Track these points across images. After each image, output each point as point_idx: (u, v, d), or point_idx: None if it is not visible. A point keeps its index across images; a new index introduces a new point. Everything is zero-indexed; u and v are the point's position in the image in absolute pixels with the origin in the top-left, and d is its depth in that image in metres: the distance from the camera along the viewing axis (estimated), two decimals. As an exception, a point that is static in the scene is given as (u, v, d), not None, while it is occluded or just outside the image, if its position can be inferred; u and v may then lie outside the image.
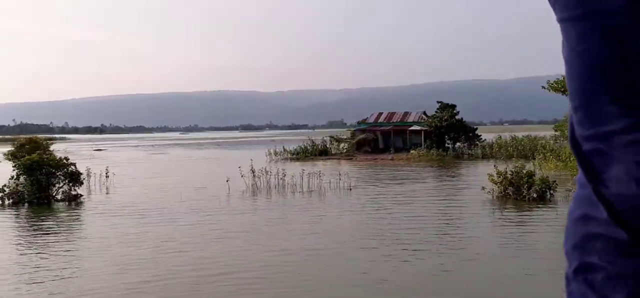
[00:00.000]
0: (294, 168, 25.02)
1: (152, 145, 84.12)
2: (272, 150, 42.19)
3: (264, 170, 22.28)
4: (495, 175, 17.01)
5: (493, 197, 16.81)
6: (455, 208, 15.85)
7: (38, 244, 11.94)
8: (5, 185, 19.03)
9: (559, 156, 26.26)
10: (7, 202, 18.38)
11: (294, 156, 41.50)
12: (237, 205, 17.42)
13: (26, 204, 18.19)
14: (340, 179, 21.57)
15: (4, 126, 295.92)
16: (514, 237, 11.78)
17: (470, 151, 39.01)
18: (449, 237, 11.91)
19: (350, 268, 9.48)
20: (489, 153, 37.66)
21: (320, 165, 30.82)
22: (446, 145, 40.35)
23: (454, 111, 40.85)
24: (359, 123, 47.87)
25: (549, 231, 12.15)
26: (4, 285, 8.72)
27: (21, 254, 10.98)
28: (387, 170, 29.45)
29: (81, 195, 19.38)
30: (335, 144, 44.76)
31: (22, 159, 20.03)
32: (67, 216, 16.11)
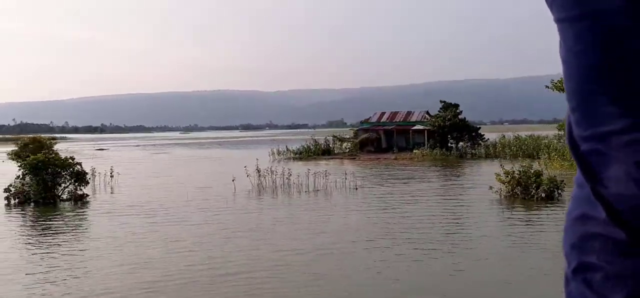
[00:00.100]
0: (298, 168, 24.99)
1: (154, 145, 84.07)
2: (275, 150, 42.14)
3: (269, 169, 22.24)
4: (502, 174, 16.98)
5: (501, 196, 16.79)
6: (463, 207, 15.83)
7: (48, 244, 11.91)
8: (11, 185, 19.00)
9: (564, 156, 26.24)
10: (12, 201, 18.34)
11: (297, 156, 41.46)
12: (244, 204, 17.39)
13: (32, 204, 18.13)
14: (346, 179, 21.54)
15: (4, 126, 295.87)
16: (525, 237, 11.75)
17: (473, 151, 38.98)
18: (459, 236, 11.88)
19: (363, 268, 9.46)
20: (493, 153, 37.62)
21: (324, 165, 30.78)
22: (449, 144, 40.32)
23: (457, 111, 40.81)
24: (361, 122, 47.83)
25: (559, 230, 12.11)
26: (17, 285, 8.71)
27: (33, 254, 10.95)
28: (391, 170, 29.42)
29: (87, 195, 19.35)
30: (338, 143, 44.72)
31: (28, 159, 19.97)
32: (75, 216, 16.08)
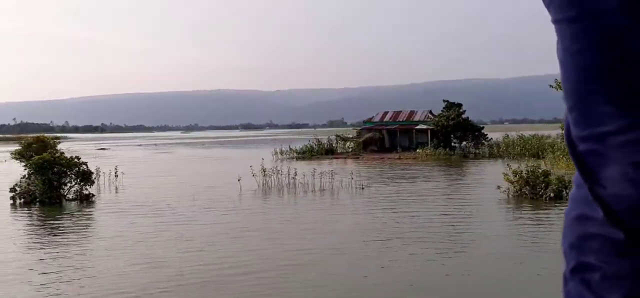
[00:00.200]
0: (302, 168, 24.94)
1: (155, 145, 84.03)
2: (278, 149, 42.09)
3: (274, 169, 22.20)
4: (510, 174, 16.94)
5: (509, 196, 16.75)
6: (472, 206, 15.78)
7: (59, 243, 11.88)
8: (16, 185, 18.96)
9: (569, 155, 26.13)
10: (18, 201, 18.30)
11: (300, 155, 41.41)
12: (251, 204, 17.36)
13: (38, 204, 18.08)
14: (352, 178, 21.50)
15: (4, 125, 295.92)
16: (536, 237, 11.72)
17: (476, 150, 38.92)
18: (469, 236, 11.85)
19: (375, 268, 9.43)
20: (496, 152, 37.58)
21: (327, 165, 30.74)
22: (452, 144, 40.27)
23: (461, 110, 40.77)
24: (364, 122, 47.80)
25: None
26: (31, 285, 8.68)
27: (45, 253, 10.92)
28: (395, 169, 29.38)
29: (93, 195, 19.30)
30: (342, 143, 44.68)
31: (33, 158, 19.92)
32: (83, 216, 16.05)
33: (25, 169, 19.78)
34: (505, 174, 17.23)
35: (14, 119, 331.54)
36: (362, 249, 10.79)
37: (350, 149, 43.18)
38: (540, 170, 16.60)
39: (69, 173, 19.30)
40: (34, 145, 31.30)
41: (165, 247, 11.26)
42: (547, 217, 13.92)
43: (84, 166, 19.65)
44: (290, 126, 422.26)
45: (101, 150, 63.38)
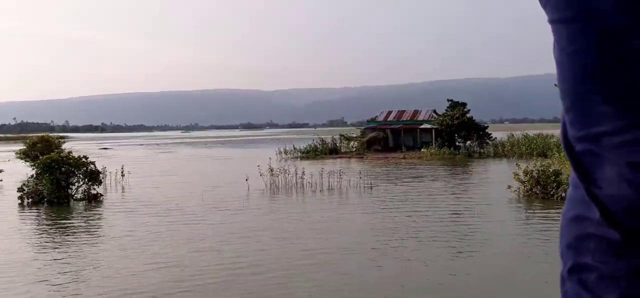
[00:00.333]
0: (307, 167, 24.84)
1: (157, 144, 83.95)
2: (282, 149, 42.01)
3: (282, 169, 22.14)
4: (521, 174, 16.87)
5: (519, 195, 16.68)
6: (483, 206, 15.70)
7: (72, 243, 11.82)
8: (24, 184, 18.89)
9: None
10: (26, 201, 18.22)
11: (304, 155, 41.33)
12: (260, 204, 17.30)
13: (46, 203, 18.00)
14: (360, 178, 21.44)
15: (4, 125, 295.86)
16: (551, 237, 11.64)
17: (481, 150, 38.84)
18: (482, 235, 11.79)
19: (393, 268, 9.37)
20: (501, 152, 37.51)
21: (332, 164, 30.68)
22: (457, 143, 40.20)
23: (465, 109, 40.70)
24: (368, 121, 47.70)
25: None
26: (49, 284, 8.62)
27: (60, 252, 10.86)
28: (401, 169, 29.32)
29: (101, 195, 19.23)
30: (345, 142, 44.60)
31: (42, 158, 19.85)
32: (93, 215, 15.97)
33: (32, 169, 19.71)
34: (516, 174, 17.17)
35: (14, 118, 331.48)
36: (374, 249, 10.73)
37: (354, 149, 43.11)
38: (551, 170, 16.53)
39: (76, 173, 19.23)
40: (39, 145, 31.21)
41: (178, 247, 11.20)
42: (559, 217, 13.72)
43: (92, 166, 19.58)
44: (290, 126, 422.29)
45: (103, 150, 63.32)
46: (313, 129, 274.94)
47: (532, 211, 14.70)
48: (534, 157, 22.58)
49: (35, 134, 44.53)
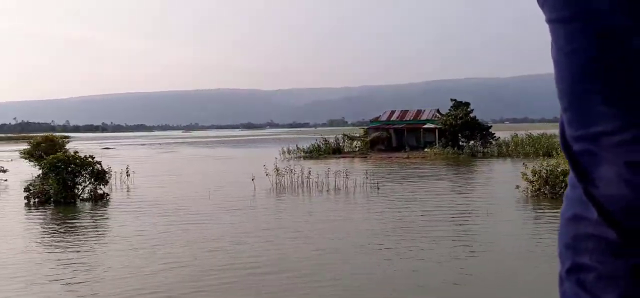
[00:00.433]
0: (311, 167, 24.72)
1: (159, 144, 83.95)
2: (285, 149, 41.98)
3: (288, 168, 22.10)
4: (529, 173, 16.84)
5: (528, 195, 16.64)
6: (491, 205, 15.64)
7: (83, 242, 11.81)
8: (30, 184, 18.85)
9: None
10: (33, 201, 18.19)
11: (308, 154, 41.29)
12: (268, 203, 17.27)
13: (52, 203, 17.96)
14: (366, 178, 21.39)
15: (5, 125, 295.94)
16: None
17: (485, 149, 38.79)
18: (492, 234, 11.76)
19: (411, 269, 9.35)
20: (505, 151, 37.46)
21: (335, 164, 30.64)
22: (460, 143, 40.15)
23: (469, 109, 40.65)
24: (371, 121, 47.66)
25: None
26: (64, 283, 8.61)
27: (73, 252, 10.83)
28: (407, 169, 29.28)
29: (108, 195, 19.19)
30: (349, 142, 44.56)
31: (48, 157, 19.80)
32: (101, 215, 15.95)
33: (36, 168, 19.66)
34: (523, 174, 17.13)
35: (15, 118, 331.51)
36: (388, 248, 10.70)
37: (357, 149, 43.07)
38: (559, 169, 16.49)
39: (83, 172, 19.19)
40: (43, 145, 31.14)
41: (190, 247, 11.17)
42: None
43: (98, 166, 19.53)
44: (290, 125, 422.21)
45: (106, 150, 63.28)
46: (313, 128, 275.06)
47: (542, 210, 14.66)
48: (541, 157, 22.49)
49: (37, 134, 44.52)
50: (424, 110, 46.20)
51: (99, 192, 19.09)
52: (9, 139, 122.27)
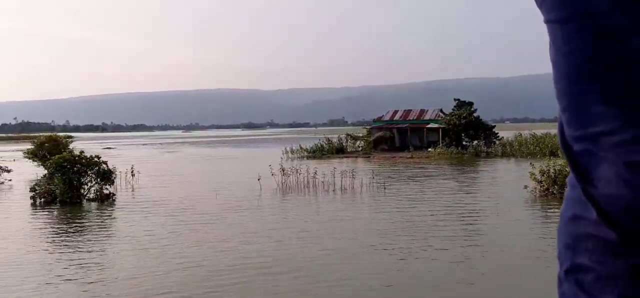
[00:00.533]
0: (315, 166, 24.65)
1: (161, 143, 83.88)
2: (288, 149, 41.93)
3: (293, 168, 22.04)
4: (537, 173, 16.79)
5: (536, 195, 16.59)
6: (502, 205, 15.56)
7: (94, 243, 11.76)
8: (36, 184, 18.79)
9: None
10: (38, 201, 18.13)
11: (311, 154, 41.24)
12: (275, 203, 17.24)
13: (58, 203, 17.89)
14: (373, 177, 21.34)
15: (5, 125, 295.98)
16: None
17: (488, 149, 38.74)
18: (506, 234, 11.73)
19: (427, 269, 9.29)
20: (509, 151, 37.40)
21: (339, 164, 30.60)
22: (464, 143, 40.10)
23: (472, 109, 40.60)
24: (374, 121, 47.60)
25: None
26: (78, 284, 8.56)
27: (85, 252, 10.78)
28: (412, 168, 29.21)
29: (114, 195, 19.12)
30: (352, 141, 44.50)
31: (54, 157, 19.74)
32: (109, 216, 15.89)
33: (41, 168, 19.59)
34: (532, 173, 17.08)
35: (15, 118, 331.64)
36: (401, 248, 10.65)
37: (360, 148, 43.02)
38: (567, 169, 16.39)
39: (89, 172, 19.12)
40: (47, 145, 31.06)
41: (200, 247, 11.13)
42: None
43: (104, 165, 19.47)
44: (290, 125, 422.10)
45: (107, 149, 63.20)
46: (314, 128, 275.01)
47: (552, 210, 14.60)
48: (547, 157, 22.45)
49: (39, 134, 44.43)
50: (427, 110, 46.15)
51: (105, 192, 19.04)
52: (9, 139, 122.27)
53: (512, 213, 14.31)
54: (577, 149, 0.65)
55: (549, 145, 34.59)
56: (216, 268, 9.49)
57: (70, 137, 40.76)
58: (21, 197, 19.68)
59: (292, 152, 41.56)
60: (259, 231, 12.63)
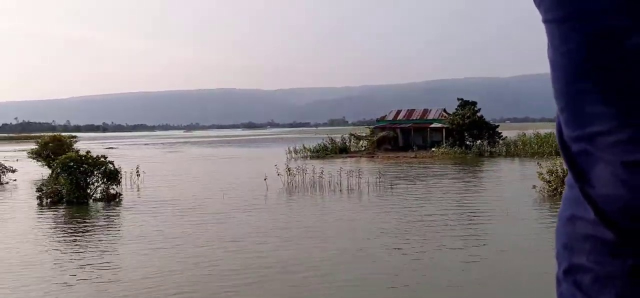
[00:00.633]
0: (319, 166, 24.63)
1: (162, 143, 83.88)
2: (291, 148, 41.89)
3: (299, 168, 22.01)
4: (545, 173, 16.76)
5: (544, 195, 16.55)
6: (509, 205, 15.54)
7: (104, 243, 11.76)
8: (43, 184, 18.76)
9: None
10: (45, 201, 18.09)
11: (314, 154, 41.18)
12: (283, 203, 17.22)
13: (65, 203, 17.86)
14: (379, 177, 21.31)
15: (6, 124, 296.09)
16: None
17: (492, 149, 38.70)
18: (518, 234, 11.70)
19: (442, 268, 9.27)
20: (513, 151, 37.35)
21: (343, 163, 30.56)
22: (467, 142, 40.06)
23: (476, 108, 40.56)
24: (378, 120, 47.57)
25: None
26: (92, 283, 8.54)
27: (96, 252, 10.77)
28: (417, 168, 29.19)
29: (120, 194, 19.09)
30: (355, 141, 44.46)
31: (60, 157, 19.71)
32: (116, 215, 15.87)
33: (45, 168, 19.56)
34: (539, 173, 17.04)
35: (16, 118, 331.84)
36: (414, 248, 10.62)
37: (364, 148, 42.98)
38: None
39: (95, 172, 19.09)
40: (51, 145, 31.01)
41: (211, 246, 11.12)
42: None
43: (110, 165, 19.43)
44: (291, 125, 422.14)
45: (109, 149, 63.19)
46: (314, 128, 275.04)
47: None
48: (553, 157, 22.39)
49: (39, 134, 44.39)
50: (431, 110, 46.11)
51: (112, 192, 19.00)
52: (10, 139, 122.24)
53: (522, 213, 14.29)
54: (575, 149, 0.65)
55: (554, 145, 34.51)
56: (230, 267, 9.47)
57: (74, 137, 40.54)
58: (27, 197, 19.66)
59: (296, 151, 41.51)
60: (269, 231, 12.61)
